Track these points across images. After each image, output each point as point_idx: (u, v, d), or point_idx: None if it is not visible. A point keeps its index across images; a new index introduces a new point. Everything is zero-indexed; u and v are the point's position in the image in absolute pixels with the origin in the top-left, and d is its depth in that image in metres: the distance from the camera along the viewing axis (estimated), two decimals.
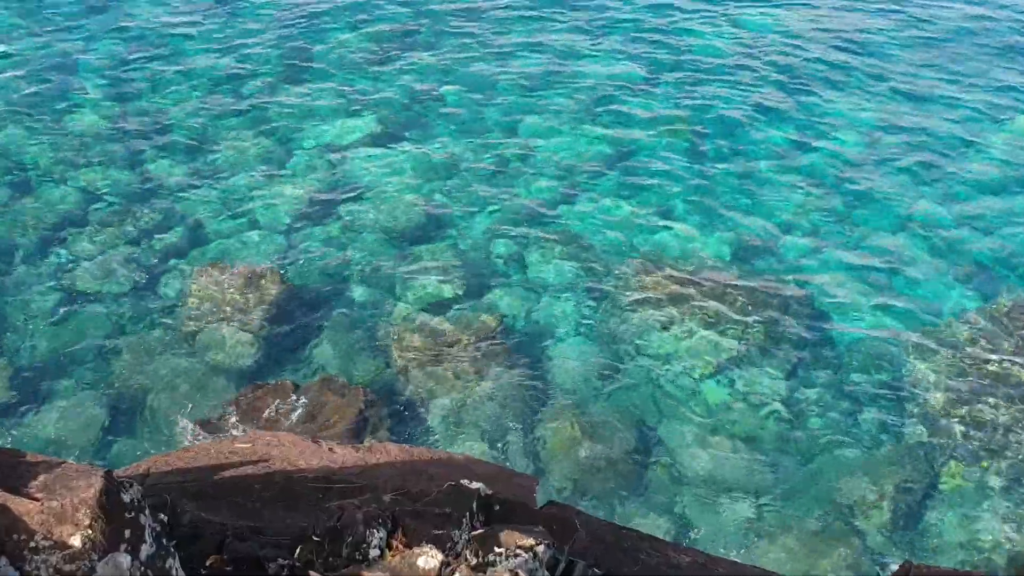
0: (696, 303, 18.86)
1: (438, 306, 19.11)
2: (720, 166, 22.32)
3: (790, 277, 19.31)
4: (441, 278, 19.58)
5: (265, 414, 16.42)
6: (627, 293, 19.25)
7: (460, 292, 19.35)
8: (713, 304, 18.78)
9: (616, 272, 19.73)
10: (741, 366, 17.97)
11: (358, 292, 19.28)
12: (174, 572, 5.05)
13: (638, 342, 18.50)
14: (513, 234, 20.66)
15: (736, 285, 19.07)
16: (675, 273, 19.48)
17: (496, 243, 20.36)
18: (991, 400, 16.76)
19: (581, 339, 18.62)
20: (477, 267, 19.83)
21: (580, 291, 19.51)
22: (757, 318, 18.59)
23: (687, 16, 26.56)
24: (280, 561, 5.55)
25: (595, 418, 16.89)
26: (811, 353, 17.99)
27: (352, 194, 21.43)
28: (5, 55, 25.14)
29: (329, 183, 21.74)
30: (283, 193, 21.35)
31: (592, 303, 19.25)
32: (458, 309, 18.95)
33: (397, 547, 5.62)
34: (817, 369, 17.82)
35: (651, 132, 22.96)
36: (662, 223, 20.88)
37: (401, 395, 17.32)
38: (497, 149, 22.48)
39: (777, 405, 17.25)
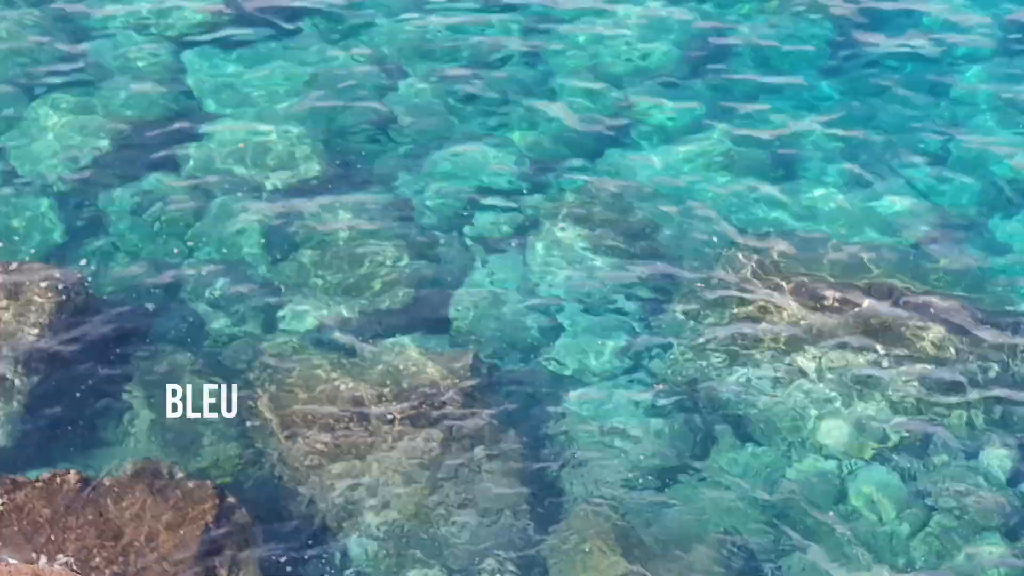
0: (845, 336, 10.71)
1: (356, 333, 10.85)
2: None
3: None
4: (358, 283, 11.21)
5: (35, 531, 8.77)
6: (711, 316, 11.12)
7: (395, 307, 10.96)
8: (879, 337, 10.74)
9: (694, 275, 11.51)
10: (933, 455, 9.91)
11: (209, 314, 10.99)
12: None
13: (730, 403, 10.44)
14: (490, 204, 12.07)
15: (925, 305, 11.01)
16: (807, 279, 11.24)
17: (458, 215, 12.13)
18: None
19: (622, 396, 10.51)
20: (428, 261, 11.63)
21: (623, 307, 11.31)
22: (971, 366, 10.52)
23: None
24: None
25: (651, 536, 9.38)
26: None
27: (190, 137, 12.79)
28: None
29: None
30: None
31: (647, 331, 11.09)
32: (393, 341, 10.79)
33: None
34: None
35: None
36: (783, 190, 12.46)
37: (287, 501, 9.62)
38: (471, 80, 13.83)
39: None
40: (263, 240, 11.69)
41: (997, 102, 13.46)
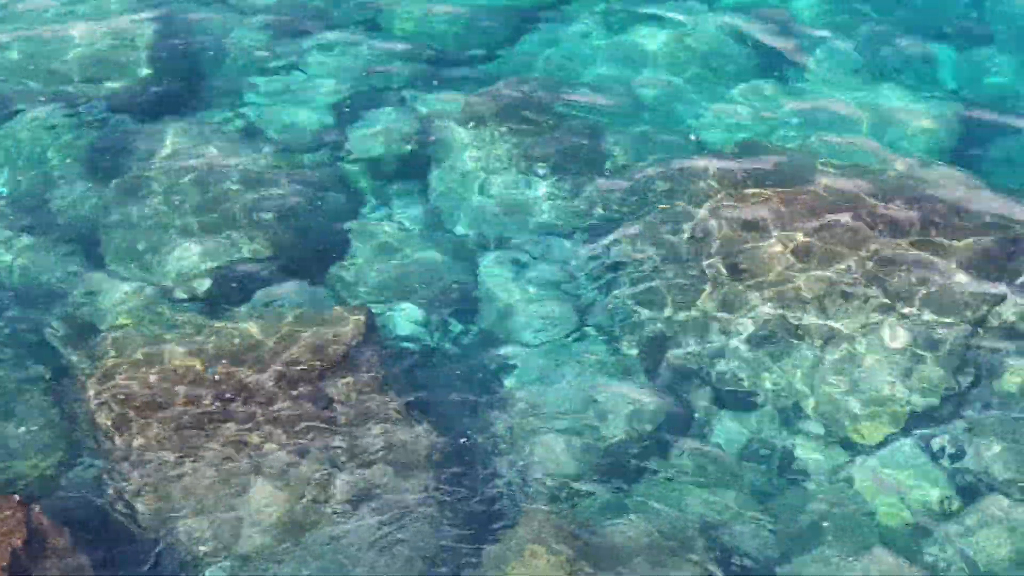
0: (847, 280, 8.24)
1: (211, 294, 8.58)
2: None
3: None
4: (212, 226, 8.92)
5: None
6: (673, 258, 8.64)
7: (261, 258, 8.71)
8: (891, 281, 8.24)
9: (650, 201, 9.04)
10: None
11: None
12: None
13: (702, 372, 8.05)
14: (374, 115, 9.94)
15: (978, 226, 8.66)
16: (797, 204, 8.78)
17: (332, 133, 9.88)
18: None
19: (565, 366, 8.12)
20: (300, 197, 9.25)
21: (560, 248, 8.88)
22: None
23: None
24: None
25: (605, 536, 7.04)
26: None
27: None
28: None
29: None
30: None
31: (592, 280, 8.63)
32: (260, 301, 8.43)
33: None
34: None
35: None
36: (759, 91, 10.12)
37: (122, 519, 7.11)
38: None
39: None
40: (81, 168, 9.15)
41: None
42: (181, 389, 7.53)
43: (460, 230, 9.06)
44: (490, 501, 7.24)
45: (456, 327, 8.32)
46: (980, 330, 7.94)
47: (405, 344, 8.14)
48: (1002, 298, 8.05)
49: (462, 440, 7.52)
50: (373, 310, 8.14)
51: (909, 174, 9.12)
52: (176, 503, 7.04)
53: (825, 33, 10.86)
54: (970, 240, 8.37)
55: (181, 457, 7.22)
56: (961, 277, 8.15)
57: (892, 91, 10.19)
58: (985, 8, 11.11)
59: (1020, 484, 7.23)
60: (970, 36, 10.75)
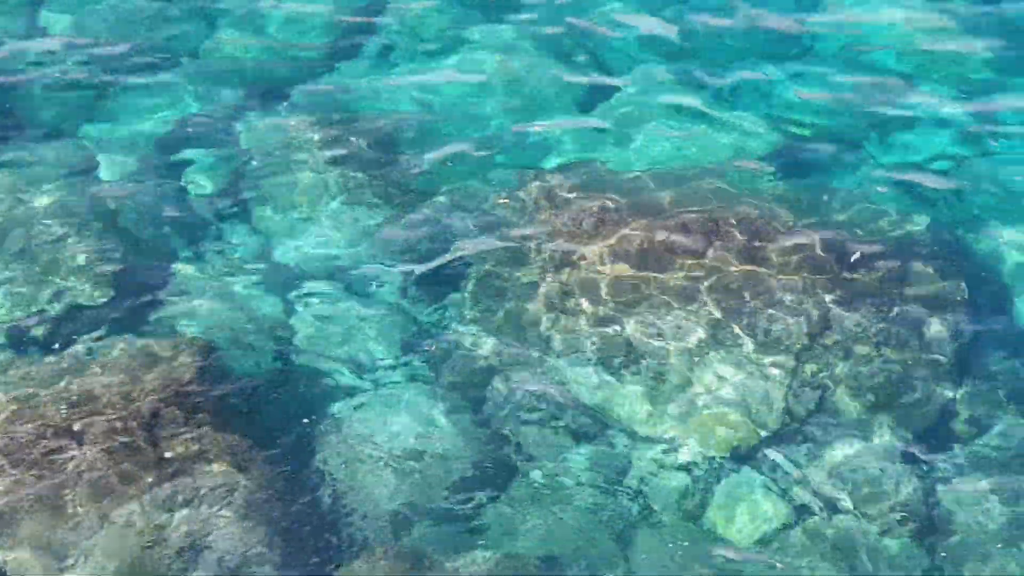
0: (689, 292, 8.31)
1: (28, 333, 8.13)
2: None
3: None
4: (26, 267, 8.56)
5: None
6: (510, 279, 8.54)
7: (81, 300, 8.42)
8: (734, 291, 8.35)
9: (477, 225, 8.96)
10: (812, 442, 7.68)
11: None
12: None
13: (546, 396, 7.89)
14: (197, 150, 9.65)
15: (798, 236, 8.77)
16: (635, 223, 8.77)
17: (152, 168, 9.53)
18: None
19: (403, 398, 7.86)
20: (118, 239, 8.96)
21: (389, 276, 8.64)
22: (847, 316, 8.27)
23: None
24: None
25: (445, 573, 6.90)
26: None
27: None
28: None
29: None
30: None
31: (425, 306, 8.46)
32: (80, 342, 8.00)
33: None
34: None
35: None
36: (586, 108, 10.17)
37: None
38: None
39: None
40: None
41: None
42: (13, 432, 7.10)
43: (288, 262, 8.75)
44: (328, 537, 6.99)
45: (286, 360, 8.01)
46: (813, 347, 8.09)
47: (237, 380, 7.82)
48: (828, 317, 8.22)
49: (296, 476, 7.26)
50: (205, 346, 7.82)
51: (734, 190, 9.18)
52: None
53: (647, 52, 10.88)
54: (800, 257, 8.51)
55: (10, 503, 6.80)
56: (790, 296, 8.27)
57: (715, 109, 10.22)
58: (808, 28, 11.27)
59: (852, 501, 7.37)
60: (792, 57, 10.90)
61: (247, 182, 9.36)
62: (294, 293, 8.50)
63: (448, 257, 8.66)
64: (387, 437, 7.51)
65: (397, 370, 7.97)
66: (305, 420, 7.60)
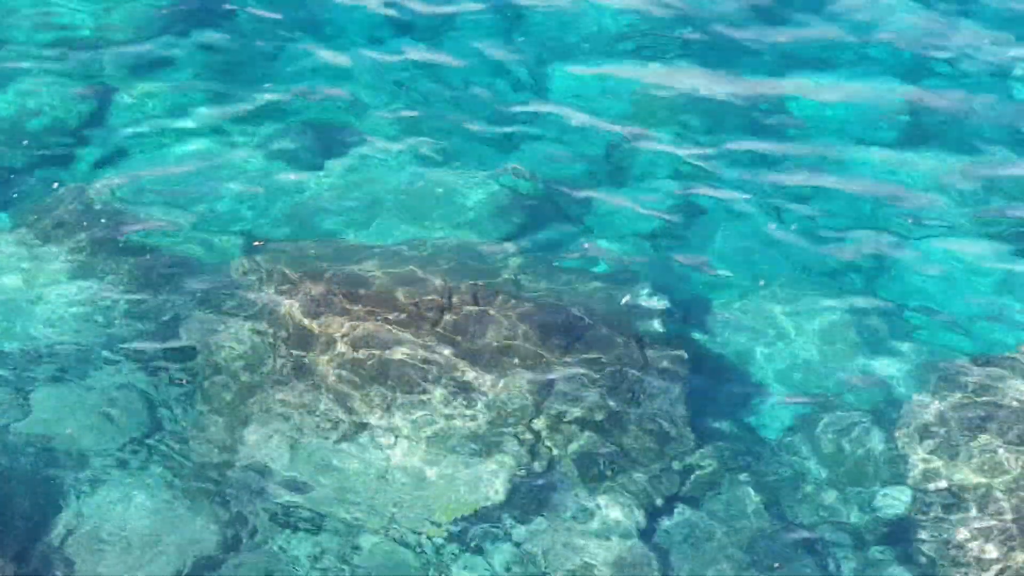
0: (407, 372, 8.48)
1: None
2: None
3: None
4: None
5: None
6: (237, 364, 8.54)
7: None
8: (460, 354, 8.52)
9: (212, 304, 8.97)
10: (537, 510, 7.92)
11: None
12: None
13: (273, 479, 8.01)
14: None
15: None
16: (358, 292, 8.88)
17: None
18: None
19: (140, 485, 7.93)
20: None
21: (135, 346, 8.65)
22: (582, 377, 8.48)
23: None
24: None
25: None
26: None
27: None
28: None
29: None
30: None
31: (159, 382, 8.45)
32: None
33: None
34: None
35: None
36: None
37: None
38: None
39: None
40: None
41: None
42: None
43: (11, 349, 8.56)
44: None
45: (19, 445, 7.96)
46: (539, 417, 8.24)
47: None
48: (552, 388, 8.40)
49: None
50: None
51: (462, 261, 9.30)
52: None
53: (380, 115, 10.89)
54: (525, 328, 8.63)
55: None
56: (513, 368, 8.43)
57: (444, 170, 10.29)
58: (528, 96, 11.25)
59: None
60: (519, 119, 10.98)
61: None
62: (25, 374, 8.35)
63: (175, 343, 8.64)
64: (116, 531, 7.51)
65: (133, 456, 7.95)
66: (37, 512, 7.56)
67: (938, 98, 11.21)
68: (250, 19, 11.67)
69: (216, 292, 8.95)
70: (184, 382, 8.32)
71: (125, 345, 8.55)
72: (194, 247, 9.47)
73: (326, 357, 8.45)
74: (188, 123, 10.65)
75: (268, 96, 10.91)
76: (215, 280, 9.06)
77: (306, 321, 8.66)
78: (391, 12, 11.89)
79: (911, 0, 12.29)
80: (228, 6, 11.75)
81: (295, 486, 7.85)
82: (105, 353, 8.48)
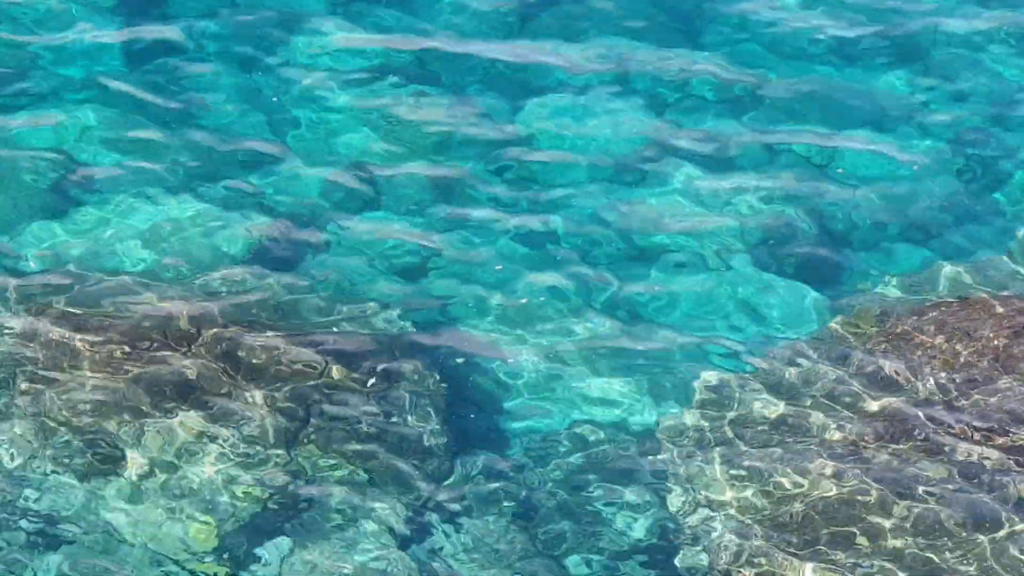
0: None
1: None
2: None
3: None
4: None
5: None
6: None
7: None
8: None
9: None
10: None
11: None
12: None
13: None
14: None
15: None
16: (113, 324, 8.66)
17: None
18: None
19: None
20: None
21: None
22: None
23: None
24: None
25: None
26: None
27: None
28: None
29: None
30: None
31: None
32: None
33: None
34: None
35: None
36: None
37: None
38: None
39: None
40: None
41: None
42: None
43: None
44: None
45: None
46: (295, 447, 8.23)
47: None
48: (309, 418, 8.40)
49: None
50: None
51: (211, 297, 9.21)
52: None
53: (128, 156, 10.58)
54: (282, 357, 8.62)
55: None
56: (278, 397, 8.42)
57: (202, 206, 10.10)
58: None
59: None
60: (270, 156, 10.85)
61: None
62: None
63: None
64: None
65: None
66: None
67: None
68: None
69: None
70: None
71: None
72: None
73: (79, 382, 8.24)
74: None
75: None
76: None
77: (58, 348, 8.42)
78: None
79: None
80: None
81: (50, 522, 7.65)
82: None
